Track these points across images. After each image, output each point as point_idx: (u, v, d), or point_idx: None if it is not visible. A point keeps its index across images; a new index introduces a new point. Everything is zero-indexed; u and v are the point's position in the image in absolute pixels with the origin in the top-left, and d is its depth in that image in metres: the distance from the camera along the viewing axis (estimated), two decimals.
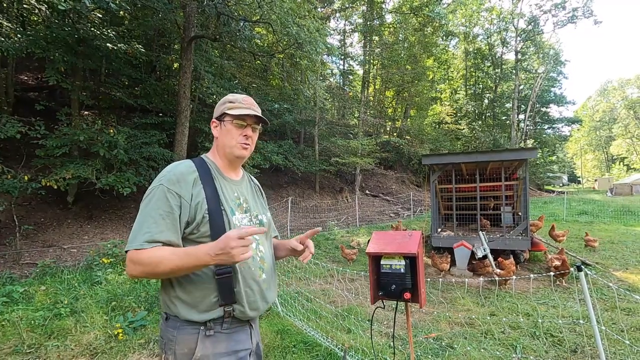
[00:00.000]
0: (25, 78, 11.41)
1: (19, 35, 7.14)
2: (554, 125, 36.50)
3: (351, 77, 26.53)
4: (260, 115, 1.35)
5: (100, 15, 8.69)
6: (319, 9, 17.30)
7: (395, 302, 1.96)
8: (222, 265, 1.13)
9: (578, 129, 52.06)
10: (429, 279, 3.60)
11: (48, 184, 6.83)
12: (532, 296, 4.82)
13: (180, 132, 9.07)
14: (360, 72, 23.30)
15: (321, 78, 17.85)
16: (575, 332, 3.64)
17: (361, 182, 17.99)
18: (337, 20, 22.63)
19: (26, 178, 6.54)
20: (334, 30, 21.68)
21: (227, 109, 1.31)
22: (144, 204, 1.16)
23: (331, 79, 24.37)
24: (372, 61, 21.68)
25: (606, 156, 58.13)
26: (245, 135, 1.32)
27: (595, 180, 43.79)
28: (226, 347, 1.19)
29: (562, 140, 37.89)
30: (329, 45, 12.06)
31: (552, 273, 3.53)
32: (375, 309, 2.10)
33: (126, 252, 1.12)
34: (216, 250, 1.03)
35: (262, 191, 1.58)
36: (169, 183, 1.16)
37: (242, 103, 1.33)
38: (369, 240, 2.00)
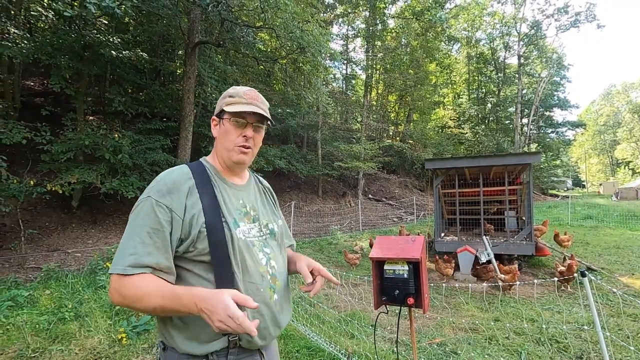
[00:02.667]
0: (32, 84, 11.53)
1: (25, 42, 7.25)
2: (557, 129, 36.39)
3: (354, 81, 26.63)
4: (264, 112, 1.12)
5: (106, 22, 8.81)
6: (321, 14, 17.41)
7: (398, 307, 1.96)
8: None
9: (582, 133, 51.83)
10: (432, 284, 3.58)
11: (53, 189, 6.91)
12: (537, 302, 4.78)
13: (183, 137, 9.14)
14: (363, 76, 23.39)
15: (324, 83, 17.94)
16: (580, 338, 3.60)
17: (364, 186, 17.97)
18: (340, 26, 22.78)
19: (32, 183, 6.61)
20: (336, 35, 21.80)
21: (225, 105, 1.11)
22: (131, 218, 1.00)
23: (334, 84, 24.47)
24: (374, 66, 21.77)
25: (611, 160, 57.76)
26: (244, 136, 1.11)
27: (600, 184, 43.49)
28: None
29: (566, 144, 37.71)
30: (332, 50, 12.12)
31: (556, 278, 3.50)
32: (379, 314, 2.09)
33: (110, 274, 0.95)
34: (203, 305, 0.86)
35: (274, 194, 1.36)
36: (158, 195, 1.00)
37: (243, 97, 1.11)
38: (371, 244, 2.00)
